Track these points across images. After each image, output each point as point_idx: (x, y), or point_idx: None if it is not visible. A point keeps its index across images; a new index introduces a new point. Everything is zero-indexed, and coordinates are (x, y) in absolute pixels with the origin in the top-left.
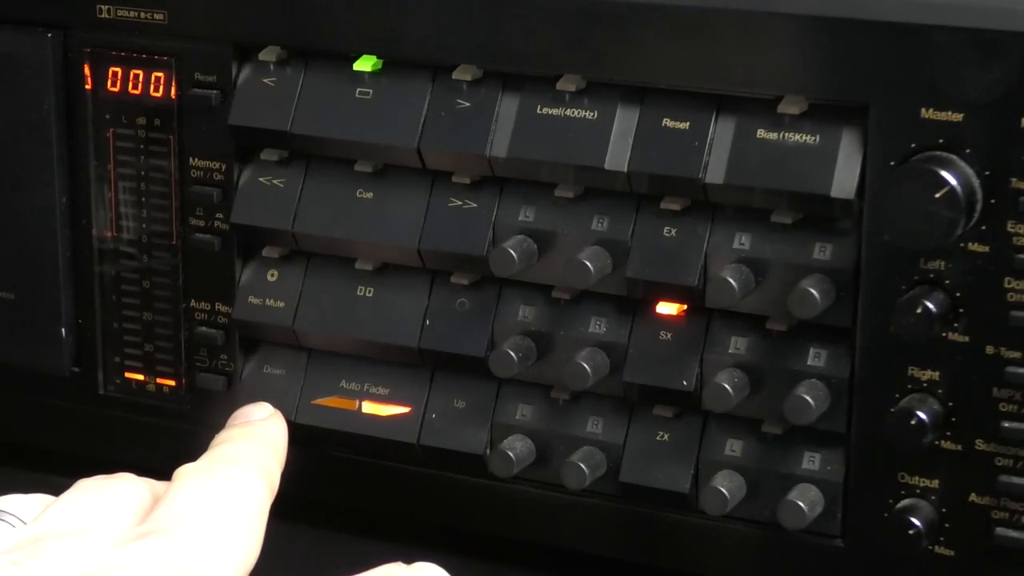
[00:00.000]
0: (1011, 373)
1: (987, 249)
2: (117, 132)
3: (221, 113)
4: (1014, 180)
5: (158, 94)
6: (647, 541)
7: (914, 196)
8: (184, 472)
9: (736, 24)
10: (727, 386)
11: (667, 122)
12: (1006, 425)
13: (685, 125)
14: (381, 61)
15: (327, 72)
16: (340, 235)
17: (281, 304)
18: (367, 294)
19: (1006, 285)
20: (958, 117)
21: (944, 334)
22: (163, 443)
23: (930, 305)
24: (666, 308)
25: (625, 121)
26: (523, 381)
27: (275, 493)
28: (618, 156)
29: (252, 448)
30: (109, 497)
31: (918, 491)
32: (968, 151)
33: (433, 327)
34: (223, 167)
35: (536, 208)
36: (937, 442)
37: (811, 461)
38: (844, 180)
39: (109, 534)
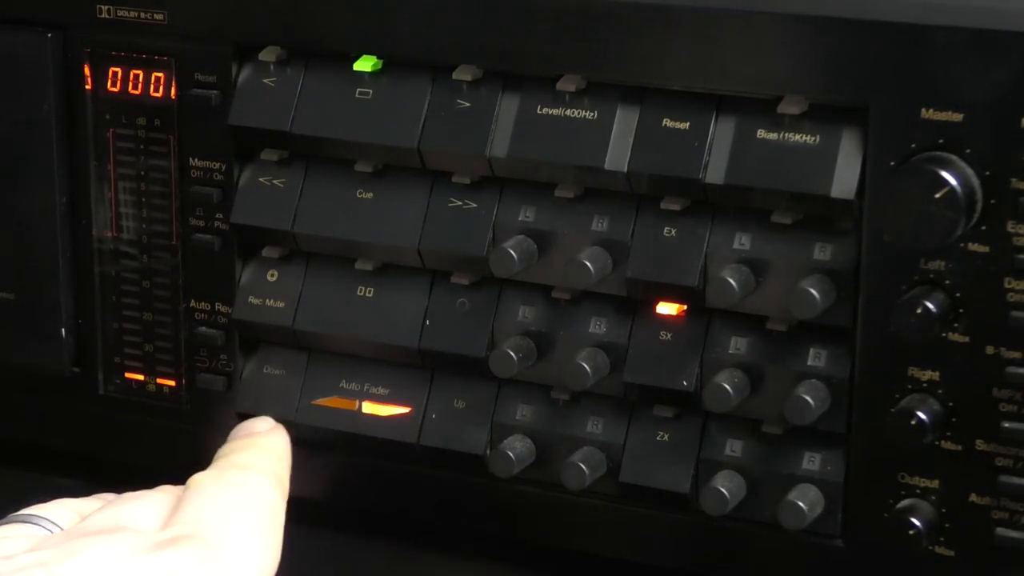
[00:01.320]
0: (1011, 373)
1: (987, 249)
2: (117, 132)
3: (221, 113)
4: (1014, 180)
5: (158, 94)
6: (647, 541)
7: (914, 196)
8: (199, 480)
9: (736, 24)
10: (727, 386)
11: (667, 122)
12: (1006, 425)
13: (685, 125)
14: (381, 61)
15: (327, 72)
16: (340, 235)
17: (281, 304)
18: (367, 294)
19: (1006, 285)
20: (958, 117)
21: (944, 334)
22: (163, 443)
23: (930, 305)
24: (666, 308)
25: (625, 121)
26: (523, 381)
27: (287, 498)
28: (618, 156)
29: (260, 456)
30: (141, 503)
31: (918, 491)
32: (968, 151)
33: (433, 327)
34: (223, 167)
35: (536, 208)
36: (937, 442)
37: (811, 461)
38: (844, 180)
39: (136, 539)
